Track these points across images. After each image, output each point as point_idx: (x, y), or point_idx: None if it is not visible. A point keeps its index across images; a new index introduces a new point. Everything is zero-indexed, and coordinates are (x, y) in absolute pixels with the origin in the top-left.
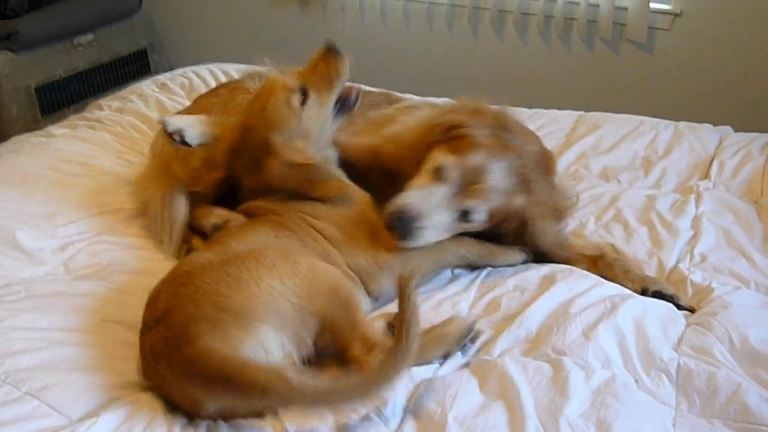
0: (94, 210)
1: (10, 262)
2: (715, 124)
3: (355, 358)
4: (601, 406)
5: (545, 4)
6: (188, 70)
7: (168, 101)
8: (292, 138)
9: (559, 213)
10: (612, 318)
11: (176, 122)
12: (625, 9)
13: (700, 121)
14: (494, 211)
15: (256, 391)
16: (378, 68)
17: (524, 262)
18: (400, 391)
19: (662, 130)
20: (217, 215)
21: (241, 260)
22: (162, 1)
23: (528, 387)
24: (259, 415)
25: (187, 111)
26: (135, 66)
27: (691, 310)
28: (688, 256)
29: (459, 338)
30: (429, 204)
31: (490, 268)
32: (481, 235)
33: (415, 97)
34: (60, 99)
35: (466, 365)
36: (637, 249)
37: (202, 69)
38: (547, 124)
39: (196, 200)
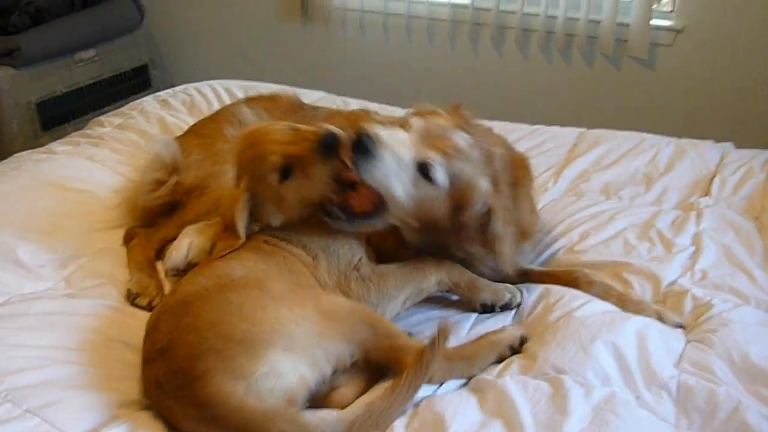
0: (95, 227)
1: (11, 277)
2: (716, 141)
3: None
4: (601, 423)
5: (546, 20)
6: (190, 87)
7: (169, 118)
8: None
9: (522, 231)
10: (612, 334)
11: (171, 261)
12: (627, 25)
13: (702, 138)
14: (456, 181)
15: None
16: (379, 83)
17: (508, 306)
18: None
19: (663, 146)
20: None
21: (241, 287)
22: (163, 16)
23: (527, 405)
24: None
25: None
26: (136, 81)
27: (681, 327)
28: (689, 273)
29: (511, 344)
30: (392, 138)
31: None
32: (446, 240)
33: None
34: (61, 114)
35: (465, 384)
36: (636, 265)
37: (204, 86)
38: (548, 140)
39: None
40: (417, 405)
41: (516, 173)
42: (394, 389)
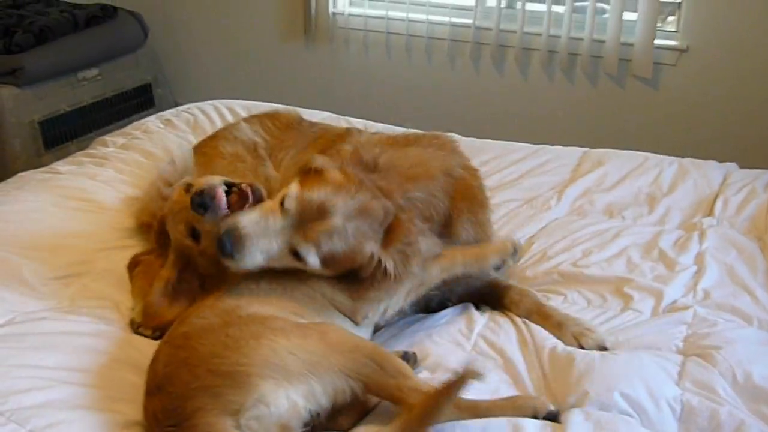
0: (99, 246)
1: (16, 296)
2: (720, 161)
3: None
4: None
5: (549, 40)
6: (193, 107)
7: (173, 137)
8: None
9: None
10: (605, 361)
11: None
12: (631, 45)
13: (705, 158)
14: (334, 257)
15: None
16: (381, 103)
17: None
18: None
19: (667, 166)
20: None
21: (244, 322)
22: (167, 36)
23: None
24: None
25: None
26: (139, 100)
27: (605, 349)
28: (692, 292)
29: (535, 414)
30: (261, 229)
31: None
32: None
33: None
34: (63, 133)
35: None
36: (639, 281)
37: (207, 105)
38: (551, 160)
39: None
40: None
41: (452, 202)
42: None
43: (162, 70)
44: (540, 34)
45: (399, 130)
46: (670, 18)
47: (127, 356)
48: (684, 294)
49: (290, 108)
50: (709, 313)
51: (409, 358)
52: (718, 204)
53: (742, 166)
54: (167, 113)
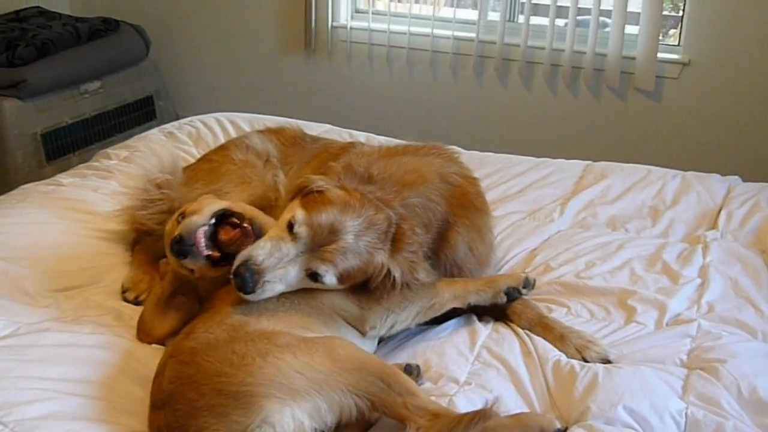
0: (102, 258)
1: (19, 307)
2: (723, 174)
3: (421, 429)
4: None
5: (551, 53)
6: (195, 119)
7: (176, 150)
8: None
9: (459, 265)
10: (609, 374)
11: None
12: (633, 58)
13: (708, 171)
14: (348, 273)
15: None
16: (383, 116)
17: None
18: None
19: (670, 179)
20: None
21: (250, 338)
22: (168, 48)
23: None
24: None
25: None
26: (141, 112)
27: (608, 362)
28: (696, 306)
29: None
30: (276, 259)
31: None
32: None
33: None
34: (65, 145)
35: None
36: (642, 294)
37: (209, 118)
38: (554, 173)
39: None
40: None
41: (449, 208)
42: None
43: (164, 82)
44: (543, 48)
45: (400, 143)
46: (672, 31)
47: (130, 368)
48: (688, 307)
49: (293, 123)
50: (713, 327)
51: (412, 370)
52: (722, 217)
53: (744, 180)
54: (169, 126)
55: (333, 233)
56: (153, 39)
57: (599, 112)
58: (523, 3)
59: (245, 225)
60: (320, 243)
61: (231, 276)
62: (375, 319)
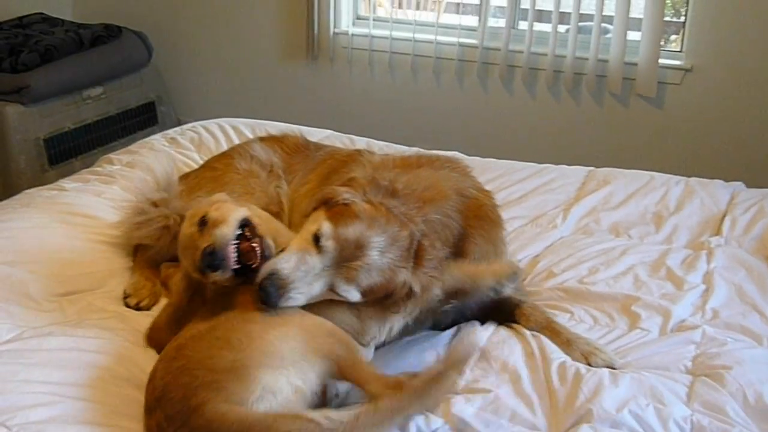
0: (104, 262)
1: (23, 311)
2: (726, 180)
3: (375, 393)
4: None
5: (554, 60)
6: (198, 125)
7: (178, 155)
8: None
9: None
10: (615, 379)
11: None
12: (635, 64)
13: (711, 177)
14: (371, 288)
15: None
16: (385, 122)
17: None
18: None
19: (673, 185)
20: None
21: (227, 321)
22: (170, 54)
23: None
24: None
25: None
26: (142, 118)
27: (612, 368)
28: (700, 312)
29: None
30: (302, 273)
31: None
32: None
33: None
34: (68, 150)
35: None
36: (646, 299)
37: (212, 124)
38: (557, 179)
39: None
40: None
41: (466, 221)
42: (407, 392)
43: (165, 88)
44: (546, 54)
45: (403, 149)
46: (674, 37)
47: (131, 374)
48: (692, 313)
49: (296, 130)
50: (718, 333)
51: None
52: (726, 223)
53: (748, 186)
54: (172, 132)
55: (359, 248)
56: (155, 45)
57: (601, 118)
58: (525, 9)
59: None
60: (346, 258)
61: (256, 288)
62: (375, 329)
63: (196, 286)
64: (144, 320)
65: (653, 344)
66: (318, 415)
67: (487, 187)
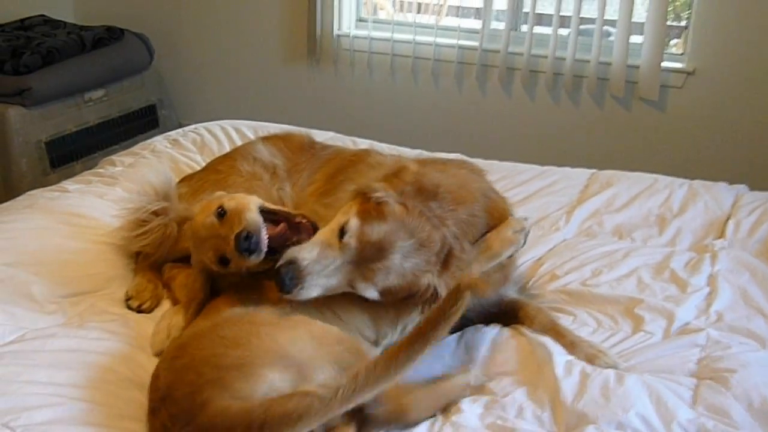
0: (107, 264)
1: (25, 313)
2: (728, 183)
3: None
4: None
5: (555, 62)
6: (200, 127)
7: (180, 157)
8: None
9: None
10: (621, 380)
11: (155, 346)
12: (637, 67)
13: (714, 180)
14: (388, 290)
15: (292, 419)
16: (387, 124)
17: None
18: None
19: (677, 188)
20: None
21: (234, 322)
22: (172, 57)
23: None
24: None
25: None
26: (144, 121)
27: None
28: (704, 315)
29: (467, 388)
30: (321, 266)
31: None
32: None
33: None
34: (69, 153)
35: None
36: (650, 302)
37: (214, 126)
38: (559, 181)
39: None
40: None
41: (491, 222)
42: (402, 348)
43: (167, 91)
44: (546, 57)
45: (404, 151)
46: (675, 41)
47: (135, 375)
48: (696, 316)
49: (302, 130)
50: (722, 336)
51: None
52: (730, 226)
53: (752, 188)
54: (174, 133)
55: (380, 251)
56: (156, 48)
57: (603, 121)
58: (526, 13)
59: (299, 220)
60: (366, 258)
61: (275, 273)
62: (387, 329)
63: (210, 278)
64: (146, 323)
65: (657, 347)
66: (312, 387)
67: None
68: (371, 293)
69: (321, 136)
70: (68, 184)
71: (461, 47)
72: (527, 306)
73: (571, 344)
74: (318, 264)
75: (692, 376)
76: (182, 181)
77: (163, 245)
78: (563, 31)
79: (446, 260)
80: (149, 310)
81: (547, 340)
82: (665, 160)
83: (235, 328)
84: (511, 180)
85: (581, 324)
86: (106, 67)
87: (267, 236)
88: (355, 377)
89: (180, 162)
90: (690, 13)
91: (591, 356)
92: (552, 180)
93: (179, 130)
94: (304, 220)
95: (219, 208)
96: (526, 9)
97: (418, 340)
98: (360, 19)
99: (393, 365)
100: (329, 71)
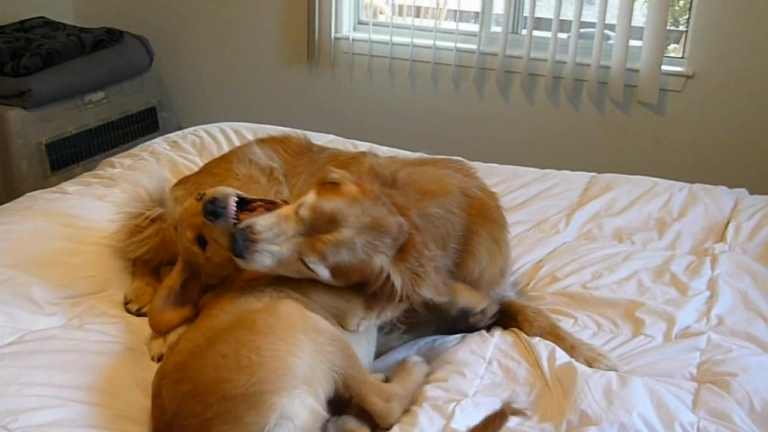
0: (107, 265)
1: (25, 315)
2: (728, 187)
3: (377, 409)
4: None
5: (554, 66)
6: (199, 129)
7: (179, 159)
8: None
9: (473, 280)
10: (622, 386)
11: (154, 350)
12: (636, 71)
13: (713, 183)
14: (341, 269)
15: None
16: (385, 127)
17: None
18: None
19: (676, 191)
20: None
21: (228, 333)
22: (172, 60)
23: None
24: None
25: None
26: (144, 123)
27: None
28: (705, 318)
29: (425, 377)
30: (273, 234)
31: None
32: None
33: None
34: (70, 155)
35: None
36: (650, 305)
37: (213, 128)
38: (559, 184)
39: None
40: None
41: (470, 218)
42: None
43: (167, 94)
44: (545, 60)
45: (404, 154)
46: (673, 46)
47: (136, 376)
48: (697, 319)
49: (300, 132)
50: (723, 340)
51: None
52: (730, 230)
53: (751, 192)
54: (173, 135)
55: (332, 223)
56: (156, 50)
57: (602, 124)
58: (525, 17)
59: (278, 203)
60: (318, 230)
61: (230, 237)
62: (361, 311)
63: (193, 269)
64: (146, 325)
65: (657, 351)
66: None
67: None
68: (322, 270)
69: (320, 138)
70: (68, 186)
71: (460, 50)
72: (526, 309)
73: (570, 348)
74: (270, 231)
75: (693, 380)
76: (179, 183)
77: (161, 250)
78: (562, 35)
79: (404, 249)
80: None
81: (548, 343)
82: (665, 164)
83: (232, 341)
84: (511, 183)
85: (582, 327)
86: (105, 70)
87: (235, 208)
88: None
89: (179, 164)
90: (689, 17)
91: (591, 359)
92: (552, 183)
93: (178, 132)
94: (281, 202)
95: (200, 193)
96: (525, 13)
97: None
98: (359, 22)
99: None
100: (328, 74)
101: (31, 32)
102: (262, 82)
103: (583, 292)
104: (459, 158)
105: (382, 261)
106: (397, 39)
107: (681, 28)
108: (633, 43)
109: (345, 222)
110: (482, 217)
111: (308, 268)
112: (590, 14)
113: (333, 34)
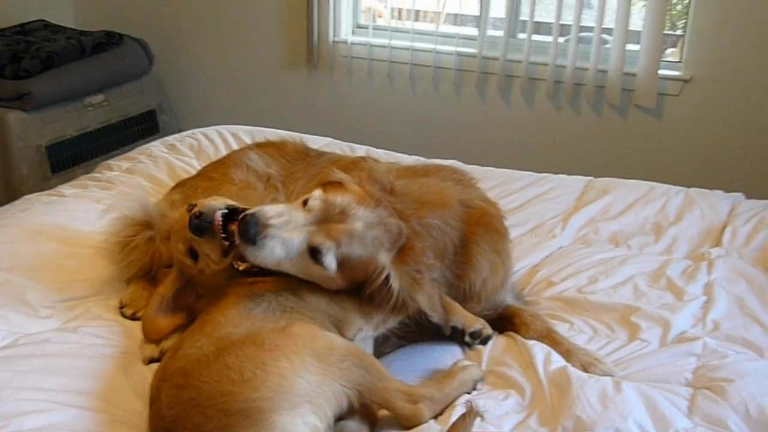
0: (102, 269)
1: (20, 318)
2: (725, 191)
3: (405, 413)
4: None
5: (553, 70)
6: (197, 132)
7: (177, 162)
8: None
9: (474, 289)
10: (618, 392)
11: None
12: (634, 75)
13: (710, 188)
14: (348, 262)
15: None
16: (384, 131)
17: (477, 334)
18: None
19: (673, 196)
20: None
21: (238, 347)
22: (171, 62)
23: None
24: None
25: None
26: (144, 126)
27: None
28: (701, 323)
29: (475, 382)
30: (284, 221)
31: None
32: None
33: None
34: (70, 158)
35: None
36: (646, 310)
37: (211, 131)
38: (555, 188)
39: None
40: None
41: (469, 229)
42: None
43: (166, 96)
44: (545, 64)
45: (403, 157)
46: (671, 50)
47: (130, 380)
48: (693, 324)
49: (296, 136)
50: (719, 345)
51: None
52: (727, 234)
53: (748, 196)
54: (171, 138)
55: (343, 214)
56: (156, 53)
57: (600, 128)
58: (523, 21)
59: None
60: (330, 219)
61: (237, 225)
62: (359, 320)
63: (187, 278)
64: (141, 329)
65: (653, 356)
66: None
67: None
68: (330, 260)
69: (319, 142)
70: (65, 189)
71: (459, 54)
72: (523, 313)
73: (567, 352)
74: (281, 218)
75: (688, 386)
76: (176, 186)
77: (153, 266)
78: (560, 39)
79: (403, 252)
80: None
81: (544, 347)
82: (662, 168)
83: (240, 354)
84: (508, 187)
85: (578, 332)
86: (105, 72)
87: (221, 220)
88: None
89: (176, 167)
90: (686, 21)
91: (587, 364)
92: (548, 187)
93: (176, 135)
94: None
95: (190, 204)
96: (523, 17)
97: None
98: (358, 26)
99: None
100: (327, 78)
101: (31, 35)
102: (262, 85)
103: (579, 296)
104: (454, 162)
105: (385, 257)
106: (396, 43)
107: (678, 32)
108: (630, 47)
109: (355, 215)
110: (483, 227)
111: (316, 260)
112: (588, 18)
113: (332, 38)
